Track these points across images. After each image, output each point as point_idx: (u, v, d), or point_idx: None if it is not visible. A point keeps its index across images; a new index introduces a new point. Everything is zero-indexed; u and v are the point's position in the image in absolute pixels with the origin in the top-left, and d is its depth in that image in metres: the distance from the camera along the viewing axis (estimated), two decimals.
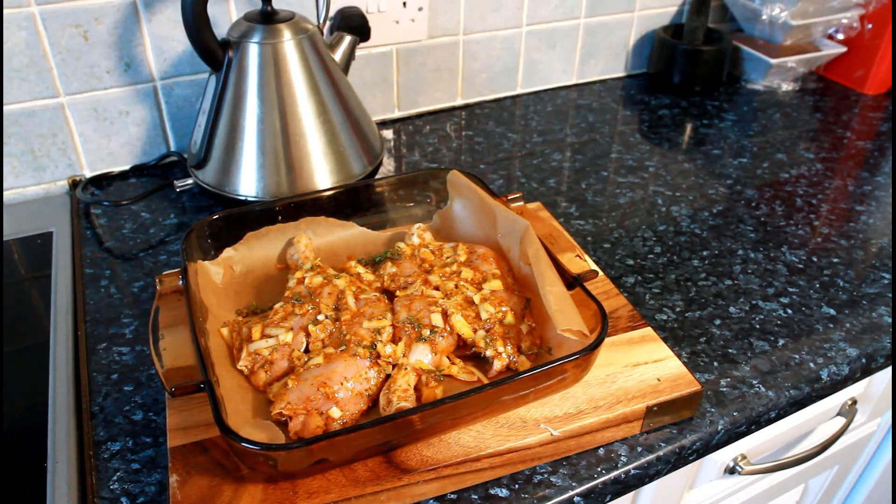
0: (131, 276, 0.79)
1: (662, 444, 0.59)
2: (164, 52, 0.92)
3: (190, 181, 0.89)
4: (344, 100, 0.89)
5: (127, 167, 0.98)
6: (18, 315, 0.70)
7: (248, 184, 0.85)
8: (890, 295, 0.75)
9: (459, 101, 1.18)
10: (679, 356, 0.64)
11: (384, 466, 0.52)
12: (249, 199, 0.85)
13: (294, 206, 0.75)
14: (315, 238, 0.74)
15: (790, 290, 0.78)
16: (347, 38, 0.92)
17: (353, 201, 0.79)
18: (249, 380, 0.60)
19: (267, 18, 0.84)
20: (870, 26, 1.28)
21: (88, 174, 0.96)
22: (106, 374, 0.65)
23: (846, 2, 1.19)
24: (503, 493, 0.54)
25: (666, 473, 0.60)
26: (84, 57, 0.88)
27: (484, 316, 0.62)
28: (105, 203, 0.91)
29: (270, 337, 0.60)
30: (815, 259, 0.83)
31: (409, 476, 0.52)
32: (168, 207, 0.91)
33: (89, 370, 0.65)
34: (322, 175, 0.87)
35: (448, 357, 0.61)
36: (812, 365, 0.68)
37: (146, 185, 0.96)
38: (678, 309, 0.75)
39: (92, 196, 0.92)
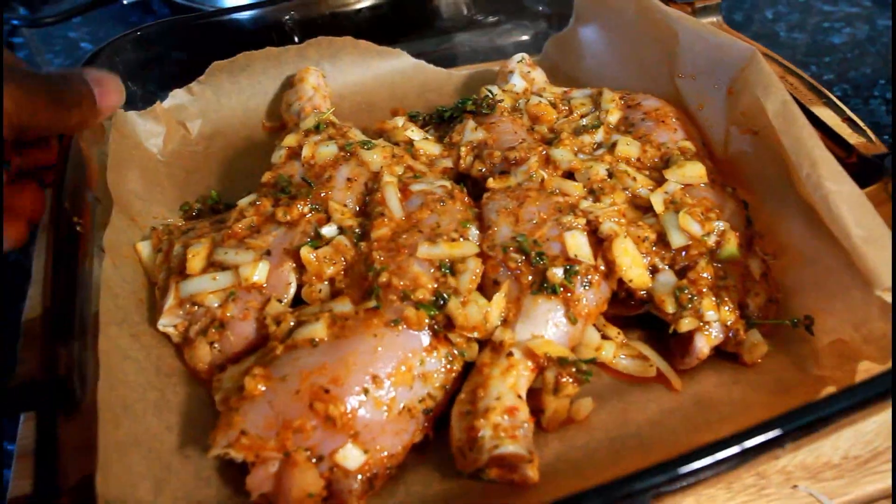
0: None
1: None
2: None
3: None
4: None
5: None
6: None
7: None
8: None
9: None
10: None
11: None
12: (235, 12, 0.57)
13: (303, 21, 0.48)
14: (334, 73, 0.48)
15: None
16: None
17: (403, 13, 0.52)
18: (181, 354, 0.35)
19: None
20: None
21: None
22: None
23: None
24: None
25: None
26: None
27: (677, 242, 0.34)
28: (15, 23, 0.63)
29: (222, 268, 0.34)
30: None
31: None
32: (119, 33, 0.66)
33: None
34: None
35: (595, 325, 0.35)
36: None
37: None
38: None
39: (17, 16, 0.65)
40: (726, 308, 0.34)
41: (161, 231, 0.37)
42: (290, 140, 0.39)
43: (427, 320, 0.31)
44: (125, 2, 0.63)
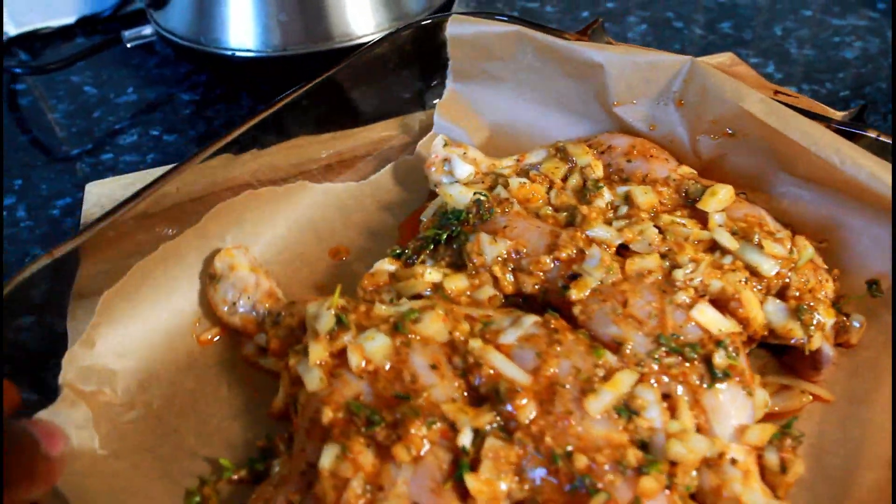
0: (53, 189, 0.49)
1: None
2: None
3: (147, 31, 0.59)
4: None
5: (71, 20, 0.69)
6: None
7: (239, 29, 0.53)
8: None
9: None
10: None
11: None
12: (241, 53, 0.54)
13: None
14: (247, 240, 0.39)
15: None
16: None
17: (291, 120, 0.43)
18: None
19: None
20: None
21: (14, 32, 0.66)
22: None
23: None
24: None
25: None
26: None
27: (770, 269, 0.33)
28: (17, 71, 0.59)
29: None
30: None
31: None
32: (126, 77, 0.62)
33: None
34: (360, 15, 0.53)
35: None
36: None
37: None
38: None
39: (19, 63, 0.63)
40: (833, 310, 0.33)
41: None
42: (318, 354, 0.28)
43: (660, 483, 0.25)
44: (128, 45, 0.60)
